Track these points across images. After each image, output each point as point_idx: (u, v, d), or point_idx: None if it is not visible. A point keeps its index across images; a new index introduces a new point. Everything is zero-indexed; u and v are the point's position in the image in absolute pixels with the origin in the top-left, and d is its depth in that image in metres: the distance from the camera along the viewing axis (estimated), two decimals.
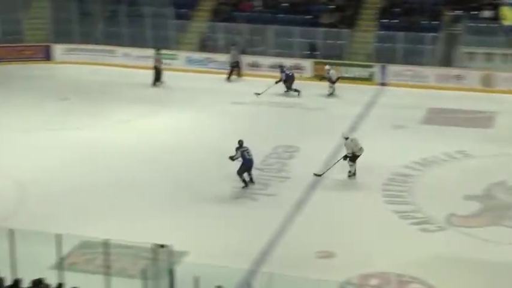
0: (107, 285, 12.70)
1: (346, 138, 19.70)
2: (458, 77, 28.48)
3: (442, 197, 18.65)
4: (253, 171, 19.56)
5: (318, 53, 30.32)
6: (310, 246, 16.06)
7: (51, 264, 13.30)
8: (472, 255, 15.86)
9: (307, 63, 29.70)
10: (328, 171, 19.85)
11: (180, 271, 12.70)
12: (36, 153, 21.74)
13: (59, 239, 12.75)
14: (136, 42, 31.51)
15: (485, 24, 29.47)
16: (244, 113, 25.75)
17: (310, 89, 27.58)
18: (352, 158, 19.67)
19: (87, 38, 32.48)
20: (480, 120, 24.82)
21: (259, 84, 27.36)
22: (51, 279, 12.35)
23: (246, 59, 30.48)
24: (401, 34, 29.60)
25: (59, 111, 25.91)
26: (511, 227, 17.27)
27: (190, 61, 31.27)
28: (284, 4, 32.61)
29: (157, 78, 29.04)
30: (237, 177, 19.20)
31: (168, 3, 32.57)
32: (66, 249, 13.48)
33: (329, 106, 26.45)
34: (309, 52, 30.34)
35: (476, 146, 22.14)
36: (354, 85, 28.79)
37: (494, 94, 27.54)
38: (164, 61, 29.52)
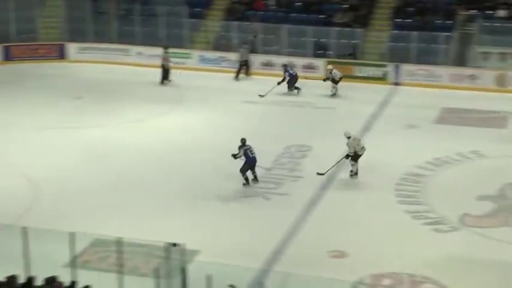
0: (120, 284, 12.73)
1: (349, 137, 19.66)
2: (472, 77, 28.36)
3: (455, 197, 18.59)
4: (263, 171, 19.54)
5: (329, 52, 30.26)
6: (322, 245, 16.06)
7: (64, 262, 13.34)
8: (485, 255, 15.80)
9: (320, 63, 29.66)
10: (334, 170, 19.79)
11: (192, 270, 12.72)
12: (49, 152, 21.84)
13: (72, 237, 12.80)
14: (149, 41, 31.55)
15: (499, 24, 29.36)
16: (256, 112, 25.75)
17: (323, 89, 27.50)
18: (354, 157, 19.63)
19: (101, 36, 32.59)
20: (494, 120, 24.71)
21: (272, 83, 27.33)
22: (65, 277, 12.40)
23: (259, 58, 30.50)
24: (415, 33, 29.50)
25: (73, 110, 26.00)
26: None
27: (203, 60, 31.30)
28: (298, 3, 32.59)
29: (165, 76, 29.12)
30: (254, 181, 19.43)
31: (181, 2, 32.63)
32: (79, 247, 13.54)
33: (341, 105, 26.40)
34: (319, 51, 30.30)
35: (490, 146, 22.05)
36: (368, 84, 28.75)
37: (508, 94, 27.41)
38: (174, 60, 29.61)
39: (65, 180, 19.67)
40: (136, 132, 23.60)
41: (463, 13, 30.38)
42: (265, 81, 27.40)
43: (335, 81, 27.22)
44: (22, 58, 32.20)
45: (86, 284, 12.23)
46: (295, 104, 26.55)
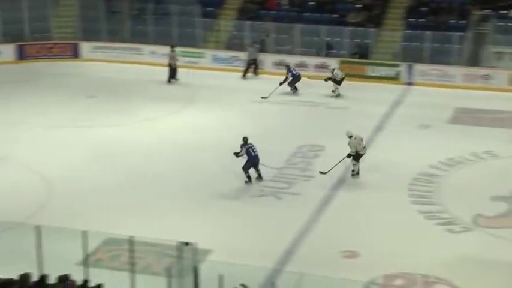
0: (132, 282, 12.75)
1: (350, 137, 19.60)
2: (486, 77, 28.25)
3: (468, 197, 18.52)
4: (275, 170, 19.63)
5: (334, 51, 30.23)
6: (334, 245, 16.03)
7: (77, 260, 13.38)
8: (499, 256, 15.73)
9: (332, 62, 29.62)
10: (348, 171, 19.82)
11: (204, 269, 12.72)
12: (63, 151, 21.91)
13: (84, 235, 12.84)
14: (163, 40, 31.60)
15: None
16: (269, 111, 25.74)
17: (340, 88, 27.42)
18: (356, 156, 19.58)
19: (114, 36, 32.71)
20: (508, 120, 24.59)
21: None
22: (77, 275, 12.43)
23: (271, 58, 30.49)
24: (428, 33, 29.42)
25: (86, 109, 26.09)
26: None
27: (216, 59, 31.35)
28: (311, 3, 32.57)
29: (172, 75, 29.19)
30: (258, 179, 19.50)
31: (194, 1, 32.72)
32: (91, 245, 13.58)
33: (354, 105, 26.33)
34: (327, 51, 30.32)
35: (504, 146, 21.95)
36: (380, 84, 28.71)
37: None
38: (187, 59, 29.67)
39: (78, 179, 19.73)
40: (149, 132, 23.65)
41: (477, 13, 30.27)
42: (276, 81, 27.32)
43: (337, 82, 27.12)
44: (36, 57, 32.36)
45: (98, 283, 12.26)
46: (308, 104, 26.52)
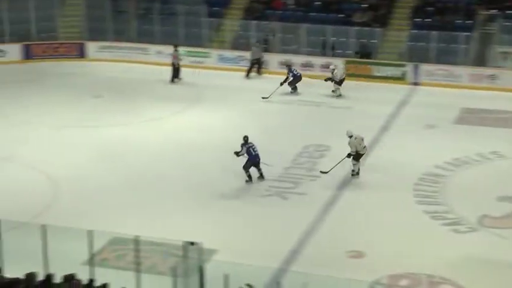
0: (137, 282, 12.79)
1: (350, 137, 19.59)
2: (492, 77, 28.19)
3: (474, 197, 18.49)
4: (281, 170, 19.64)
5: (337, 51, 30.22)
6: (340, 245, 16.04)
7: (82, 260, 13.41)
8: (504, 256, 15.71)
9: (338, 62, 29.60)
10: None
11: (209, 269, 12.73)
12: (69, 150, 21.94)
13: (90, 235, 12.87)
14: (169, 40, 31.58)
15: None
16: (274, 111, 25.74)
17: (342, 88, 27.41)
18: (356, 156, 19.57)
19: (120, 35, 32.74)
20: None
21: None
22: (83, 274, 12.47)
23: (277, 58, 30.49)
24: (434, 33, 29.36)
25: (92, 109, 26.14)
26: None
27: (222, 59, 31.35)
28: (317, 2, 32.53)
29: (176, 75, 29.22)
30: (260, 178, 19.53)
31: (201, 1, 32.72)
32: (97, 245, 13.60)
33: (360, 105, 26.29)
34: (328, 50, 30.33)
35: (510, 146, 21.90)
36: (386, 84, 28.67)
37: None
38: (193, 59, 29.67)
39: (84, 179, 19.77)
40: (155, 131, 23.67)
41: (483, 13, 30.20)
42: (279, 81, 27.30)
43: (337, 82, 27.08)
44: (42, 57, 32.41)
45: (103, 282, 12.29)
46: (314, 104, 26.51)
